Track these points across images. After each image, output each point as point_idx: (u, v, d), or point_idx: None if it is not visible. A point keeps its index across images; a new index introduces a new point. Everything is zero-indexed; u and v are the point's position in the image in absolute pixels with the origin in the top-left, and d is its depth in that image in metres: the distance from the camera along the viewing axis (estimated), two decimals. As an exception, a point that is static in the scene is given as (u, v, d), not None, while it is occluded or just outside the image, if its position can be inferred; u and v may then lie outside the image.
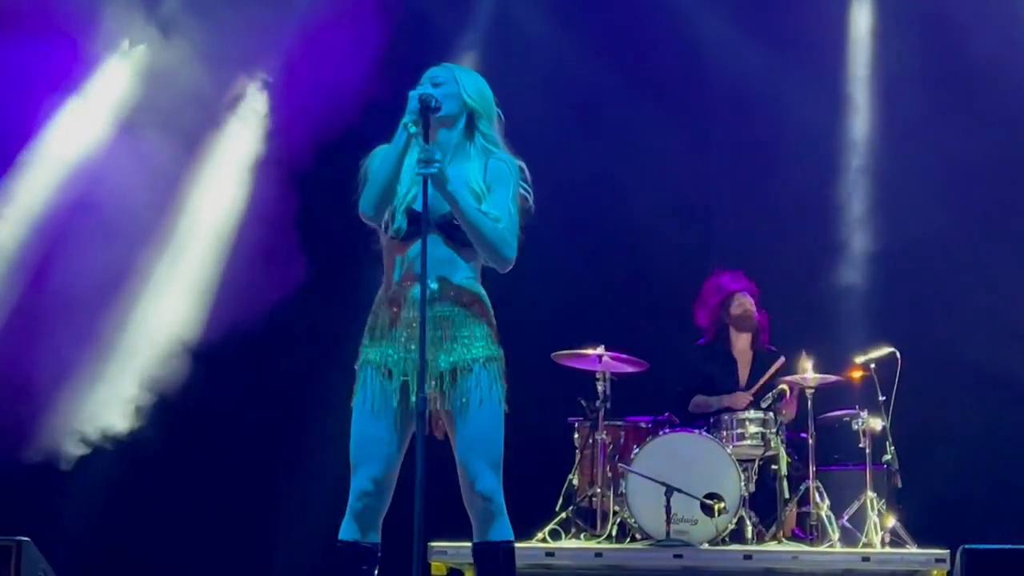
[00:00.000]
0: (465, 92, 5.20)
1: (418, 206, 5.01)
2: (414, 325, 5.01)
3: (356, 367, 5.19)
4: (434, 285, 5.06)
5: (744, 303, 9.61)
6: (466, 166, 5.21)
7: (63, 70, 9.82)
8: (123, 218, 9.59)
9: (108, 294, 9.66)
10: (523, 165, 5.35)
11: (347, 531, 5.17)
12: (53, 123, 9.79)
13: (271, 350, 10.14)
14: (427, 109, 5.02)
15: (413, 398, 4.98)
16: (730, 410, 9.28)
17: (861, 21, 10.82)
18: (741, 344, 9.72)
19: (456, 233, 5.10)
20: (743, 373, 9.66)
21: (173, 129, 9.78)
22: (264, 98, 10.24)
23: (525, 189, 5.34)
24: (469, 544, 5.39)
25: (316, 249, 10.04)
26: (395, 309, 5.11)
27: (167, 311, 9.75)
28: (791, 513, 9.08)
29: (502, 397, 5.14)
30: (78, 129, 9.78)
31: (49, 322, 9.54)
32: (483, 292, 5.27)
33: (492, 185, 5.19)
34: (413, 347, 5.01)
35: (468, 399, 5.06)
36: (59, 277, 9.55)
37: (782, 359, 9.35)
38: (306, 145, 9.97)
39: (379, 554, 5.20)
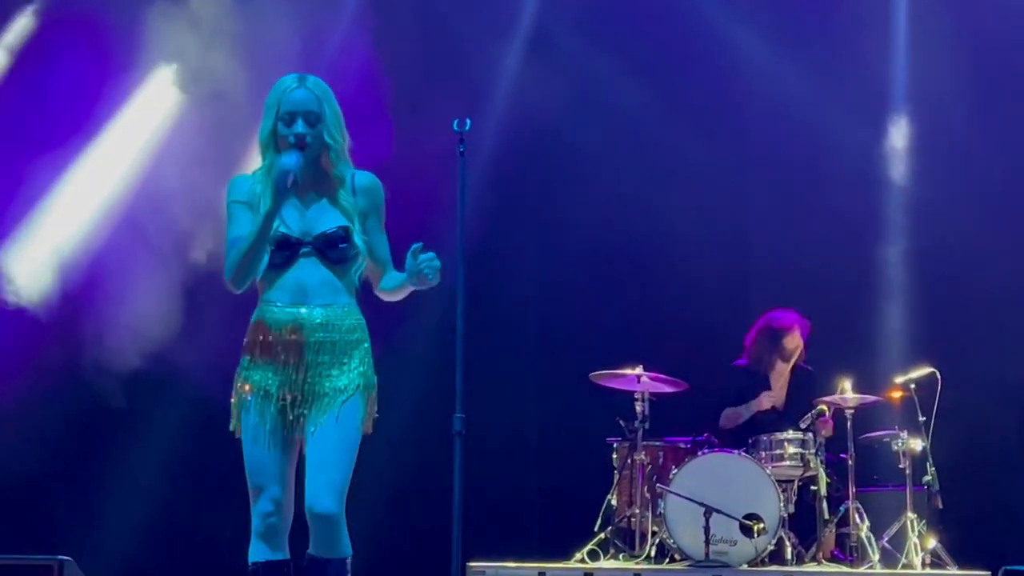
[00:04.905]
0: (329, 133, 5.19)
1: (285, 230, 5.10)
2: (296, 347, 5.10)
3: (235, 389, 5.21)
4: (318, 311, 5.13)
5: (797, 340, 9.61)
6: (329, 188, 5.23)
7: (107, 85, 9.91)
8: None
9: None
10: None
11: (257, 552, 5.16)
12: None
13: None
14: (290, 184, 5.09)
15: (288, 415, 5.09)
16: (768, 430, 9.28)
17: (900, 41, 10.80)
18: (780, 367, 9.72)
19: (332, 253, 5.16)
20: (778, 395, 9.65)
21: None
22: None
23: None
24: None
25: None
26: (276, 331, 5.14)
27: None
28: (830, 534, 9.05)
29: (360, 424, 5.14)
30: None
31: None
32: (362, 317, 5.28)
33: (369, 212, 5.25)
34: (292, 370, 5.10)
35: (329, 422, 5.08)
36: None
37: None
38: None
39: (291, 567, 5.20)
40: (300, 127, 5.13)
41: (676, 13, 10.88)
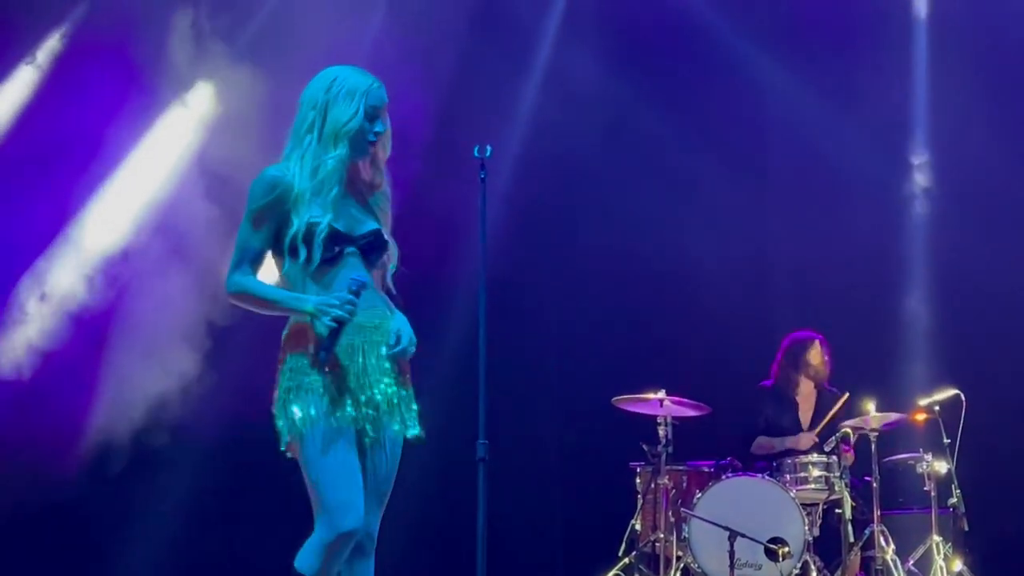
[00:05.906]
0: (389, 139, 5.10)
1: (339, 225, 4.88)
2: (355, 350, 4.85)
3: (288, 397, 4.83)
4: (365, 314, 4.87)
5: (819, 354, 9.61)
6: (366, 191, 5.08)
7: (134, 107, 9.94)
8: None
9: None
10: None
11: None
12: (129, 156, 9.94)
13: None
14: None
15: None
16: (793, 452, 9.26)
17: (920, 68, 10.81)
18: (806, 388, 9.70)
19: (375, 256, 4.98)
20: (805, 416, 9.63)
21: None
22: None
23: None
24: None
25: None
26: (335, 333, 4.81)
27: None
28: (856, 557, 9.01)
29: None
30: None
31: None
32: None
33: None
34: (357, 374, 4.84)
35: (389, 437, 4.89)
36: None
37: (846, 395, 9.33)
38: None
39: None
40: (381, 127, 5.01)
41: (697, 41, 10.92)
